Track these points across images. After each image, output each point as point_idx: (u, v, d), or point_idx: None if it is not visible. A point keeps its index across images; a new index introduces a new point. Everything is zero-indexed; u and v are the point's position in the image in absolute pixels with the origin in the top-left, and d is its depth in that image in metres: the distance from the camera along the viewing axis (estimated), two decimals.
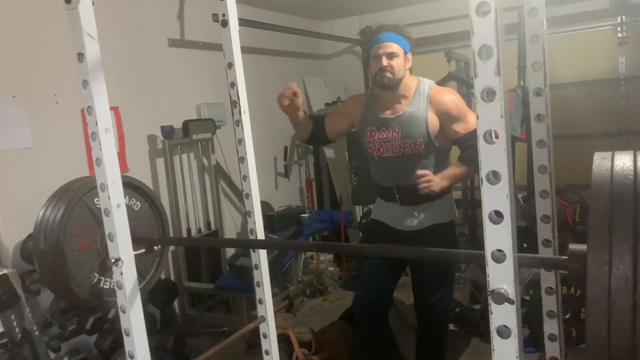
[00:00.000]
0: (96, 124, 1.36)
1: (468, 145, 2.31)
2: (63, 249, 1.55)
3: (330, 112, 2.68)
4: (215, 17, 1.74)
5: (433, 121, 2.32)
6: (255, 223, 1.80)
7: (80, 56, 1.34)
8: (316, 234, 4.58)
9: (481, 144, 0.85)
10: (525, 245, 3.19)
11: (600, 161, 0.85)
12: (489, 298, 0.88)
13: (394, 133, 2.36)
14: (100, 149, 1.37)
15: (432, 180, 2.24)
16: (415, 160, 2.37)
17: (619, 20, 4.50)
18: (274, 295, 3.78)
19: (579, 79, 4.65)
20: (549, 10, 1.40)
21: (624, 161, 0.83)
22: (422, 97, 2.34)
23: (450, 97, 2.34)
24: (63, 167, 2.96)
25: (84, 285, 1.61)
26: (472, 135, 2.27)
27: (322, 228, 4.66)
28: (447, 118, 2.33)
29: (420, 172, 2.26)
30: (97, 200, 1.58)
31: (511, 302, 0.87)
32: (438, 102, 2.32)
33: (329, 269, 4.77)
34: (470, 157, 2.31)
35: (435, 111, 2.32)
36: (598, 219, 0.78)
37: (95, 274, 1.64)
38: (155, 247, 1.63)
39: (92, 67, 1.35)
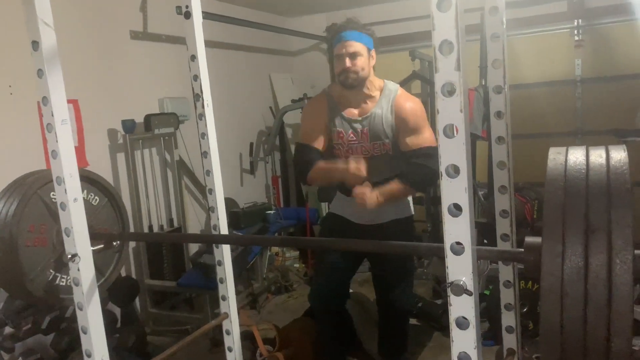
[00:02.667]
0: (52, 115, 1.32)
1: (414, 162, 2.28)
2: (16, 244, 1.50)
3: (305, 133, 2.44)
4: (178, 9, 1.71)
5: (396, 122, 2.32)
6: (218, 219, 1.78)
7: (35, 44, 1.30)
8: (282, 231, 4.57)
9: (441, 138, 0.87)
10: (485, 241, 3.27)
11: (555, 156, 0.88)
12: (448, 290, 0.90)
13: (363, 135, 2.34)
14: (57, 141, 1.33)
15: (369, 197, 2.19)
16: (383, 161, 2.37)
17: (575, 24, 4.65)
18: (238, 292, 3.74)
19: (537, 80, 4.79)
20: (509, 12, 1.44)
21: (577, 156, 0.86)
22: (388, 99, 2.33)
23: (412, 106, 2.32)
24: (18, 161, 2.85)
25: (39, 282, 1.55)
26: (422, 152, 2.27)
27: (288, 225, 4.65)
28: (403, 126, 2.31)
29: (358, 188, 2.19)
30: (53, 194, 1.53)
31: (469, 293, 0.89)
32: (400, 107, 2.31)
33: (295, 265, 4.76)
34: (412, 174, 2.28)
35: (397, 115, 2.31)
36: (552, 211, 0.80)
37: (51, 270, 1.59)
38: (115, 243, 1.59)
39: (48, 56, 1.31)
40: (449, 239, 0.89)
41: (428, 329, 3.40)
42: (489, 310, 3.09)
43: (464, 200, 0.86)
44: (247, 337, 2.94)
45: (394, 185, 2.27)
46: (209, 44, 1.66)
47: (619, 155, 0.84)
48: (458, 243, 0.89)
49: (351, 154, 2.37)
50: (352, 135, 2.36)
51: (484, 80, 3.75)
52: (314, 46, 5.85)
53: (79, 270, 1.38)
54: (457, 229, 0.88)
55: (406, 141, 2.31)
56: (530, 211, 3.44)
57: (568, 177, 0.83)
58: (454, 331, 0.92)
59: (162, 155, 4.01)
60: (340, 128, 2.37)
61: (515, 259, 1.07)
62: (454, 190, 0.87)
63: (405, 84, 4.87)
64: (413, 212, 2.57)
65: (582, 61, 4.67)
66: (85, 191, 1.66)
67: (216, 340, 3.30)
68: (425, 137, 2.30)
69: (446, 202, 0.88)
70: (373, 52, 2.32)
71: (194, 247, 3.99)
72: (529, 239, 0.95)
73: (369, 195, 2.20)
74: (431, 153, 2.25)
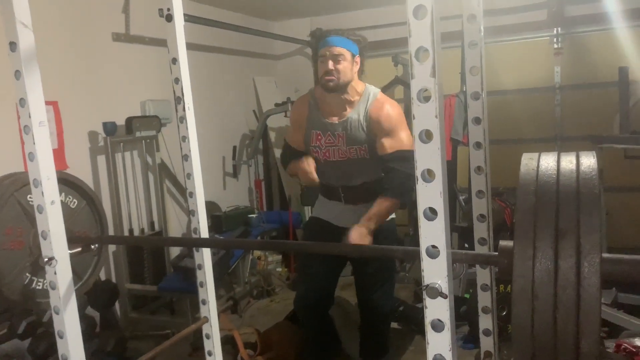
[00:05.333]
0: (29, 116, 1.31)
1: (390, 166, 2.29)
2: None
3: (289, 135, 2.63)
4: (160, 11, 1.70)
5: (372, 126, 2.32)
6: (199, 222, 1.78)
7: (13, 45, 1.29)
8: (265, 235, 4.56)
9: (417, 143, 0.88)
10: (466, 245, 3.31)
11: (528, 161, 0.90)
12: (424, 292, 0.91)
13: (340, 138, 2.36)
14: (34, 143, 1.32)
15: (362, 237, 2.18)
16: (360, 164, 2.39)
17: (555, 32, 4.75)
18: (220, 296, 3.73)
19: (517, 87, 4.87)
20: (490, 19, 1.47)
21: (548, 161, 0.88)
22: (365, 103, 2.34)
23: (387, 109, 2.32)
24: None
25: (15, 286, 1.53)
26: (398, 155, 2.27)
27: (271, 228, 4.65)
28: (377, 129, 2.31)
29: (354, 235, 2.19)
30: (30, 197, 1.51)
31: (444, 296, 0.90)
32: (375, 111, 2.31)
33: (277, 269, 4.75)
34: (391, 183, 2.28)
35: (371, 119, 2.32)
36: (523, 216, 0.82)
37: (27, 274, 1.57)
38: (93, 246, 1.58)
39: (26, 57, 1.30)
40: (424, 242, 0.90)
41: (409, 332, 3.42)
42: (469, 314, 3.12)
43: (439, 205, 0.88)
44: (228, 342, 2.93)
45: (380, 205, 2.28)
46: (192, 46, 1.66)
47: (589, 161, 0.87)
48: (433, 246, 0.90)
49: (328, 156, 2.40)
50: (329, 138, 2.38)
51: (465, 86, 3.80)
52: (297, 50, 5.86)
53: (55, 273, 1.37)
54: (433, 233, 0.89)
55: (382, 144, 2.31)
56: (510, 216, 3.49)
57: (539, 182, 0.85)
58: (430, 334, 0.93)
59: (144, 158, 3.98)
60: (319, 130, 2.40)
61: (490, 262, 1.09)
62: (430, 195, 0.88)
63: (388, 89, 4.91)
64: (394, 215, 2.59)
65: (561, 69, 4.76)
66: (63, 194, 1.64)
67: (196, 345, 3.27)
68: (401, 140, 2.30)
69: (422, 206, 0.89)
70: (358, 58, 2.33)
71: (175, 251, 3.96)
72: (502, 243, 0.97)
73: (359, 237, 2.18)
74: (407, 156, 2.24)
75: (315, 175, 2.36)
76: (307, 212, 5.17)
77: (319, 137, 2.40)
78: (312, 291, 2.57)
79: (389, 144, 2.30)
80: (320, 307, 2.64)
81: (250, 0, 4.87)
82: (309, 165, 2.36)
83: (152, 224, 4.02)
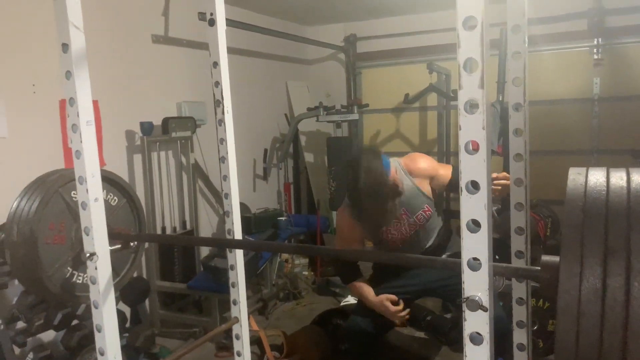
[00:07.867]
0: (78, 115, 1.35)
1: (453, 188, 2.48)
2: (36, 241, 1.53)
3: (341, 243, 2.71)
4: (201, 15, 1.74)
5: (422, 184, 2.48)
6: (233, 223, 1.80)
7: (65, 47, 1.33)
8: (292, 238, 4.58)
9: (462, 154, 0.87)
10: (497, 257, 3.25)
11: (575, 176, 0.88)
12: (464, 305, 0.90)
13: (403, 216, 2.48)
14: (81, 141, 1.35)
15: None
16: (430, 224, 2.52)
17: (595, 43, 4.64)
18: (247, 297, 3.75)
19: (554, 97, 4.77)
20: (528, 28, 1.45)
21: (597, 177, 0.86)
22: (401, 174, 2.47)
23: (422, 162, 2.51)
24: (38, 159, 2.91)
25: (56, 278, 1.58)
26: (450, 185, 2.48)
27: (299, 232, 4.67)
28: (426, 175, 2.50)
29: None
30: (74, 193, 1.56)
31: (485, 309, 0.89)
32: (416, 170, 2.49)
33: (304, 273, 4.77)
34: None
35: (419, 176, 2.49)
36: (571, 231, 0.81)
37: (69, 267, 1.62)
38: (132, 244, 1.61)
39: (77, 58, 1.34)
40: (466, 254, 0.89)
41: (436, 343, 3.38)
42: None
43: (483, 217, 0.87)
44: (255, 342, 2.95)
45: None
46: (227, 49, 1.69)
47: None
48: (475, 259, 0.89)
49: (404, 237, 2.53)
50: (396, 223, 2.50)
51: (501, 96, 3.75)
52: (330, 55, 5.88)
53: (96, 269, 1.40)
54: (475, 245, 0.88)
55: (440, 177, 2.49)
56: (544, 229, 3.41)
57: (588, 198, 0.83)
58: (468, 346, 0.92)
59: (178, 158, 4.05)
60: (383, 227, 2.53)
61: (531, 277, 1.07)
62: (474, 206, 0.87)
63: (421, 96, 4.88)
64: None
65: (600, 80, 4.65)
66: (105, 191, 1.69)
67: (222, 344, 3.31)
68: (444, 174, 2.47)
69: (465, 217, 0.88)
70: (392, 172, 2.41)
71: (205, 251, 4.02)
72: (545, 258, 0.95)
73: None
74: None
75: (407, 315, 2.49)
76: (335, 216, 5.17)
77: (387, 230, 2.52)
78: (368, 327, 2.60)
79: (444, 172, 2.48)
80: (372, 341, 2.68)
81: (284, 5, 4.91)
82: (396, 308, 2.47)
83: (184, 223, 4.08)
